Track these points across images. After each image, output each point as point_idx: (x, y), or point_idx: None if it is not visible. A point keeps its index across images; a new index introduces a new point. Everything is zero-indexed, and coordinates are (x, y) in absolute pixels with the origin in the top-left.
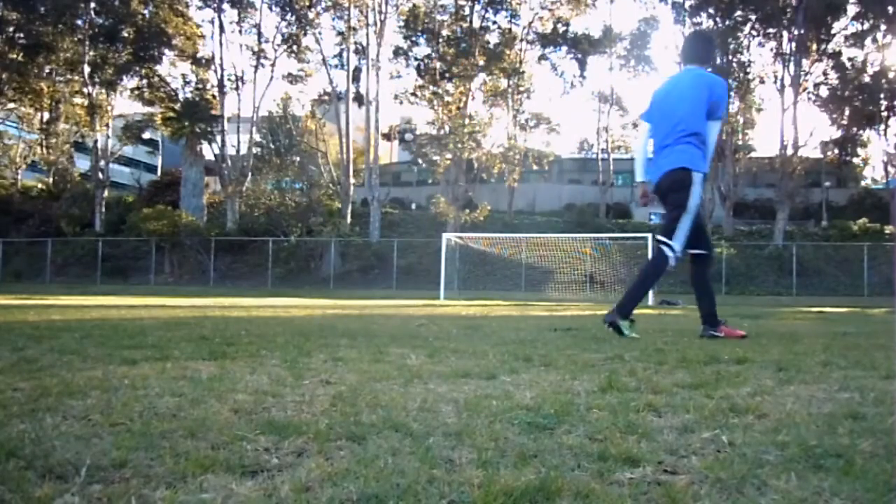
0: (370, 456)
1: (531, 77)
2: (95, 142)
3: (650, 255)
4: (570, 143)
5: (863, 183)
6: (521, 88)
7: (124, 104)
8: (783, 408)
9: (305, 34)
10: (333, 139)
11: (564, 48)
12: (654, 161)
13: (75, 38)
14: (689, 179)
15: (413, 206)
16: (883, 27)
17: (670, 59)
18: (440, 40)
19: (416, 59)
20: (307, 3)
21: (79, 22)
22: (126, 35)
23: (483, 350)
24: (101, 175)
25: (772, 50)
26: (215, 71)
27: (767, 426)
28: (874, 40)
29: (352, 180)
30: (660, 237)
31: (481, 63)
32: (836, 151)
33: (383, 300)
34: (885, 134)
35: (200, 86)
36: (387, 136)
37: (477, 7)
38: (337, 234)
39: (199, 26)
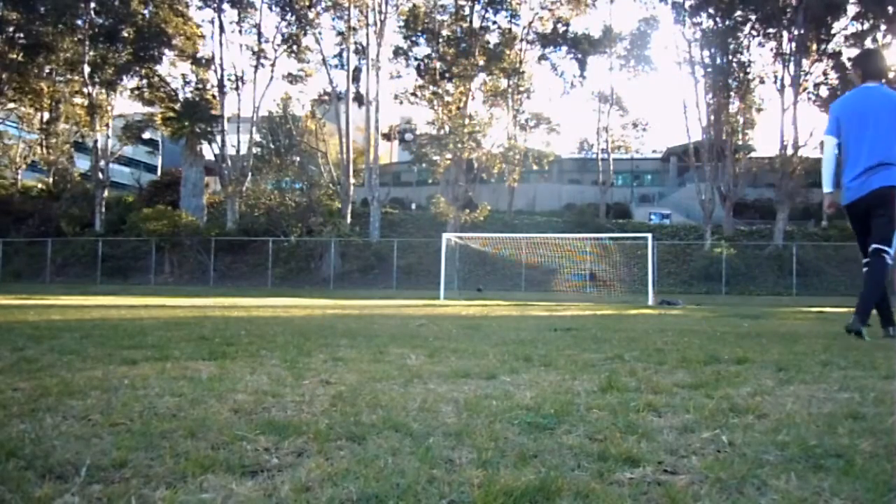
0: (370, 456)
1: (531, 77)
2: (95, 142)
3: (871, 264)
4: (570, 143)
5: None
6: (521, 88)
7: (124, 104)
8: (783, 408)
9: (305, 34)
10: (333, 139)
11: (564, 48)
12: (856, 180)
13: (75, 38)
14: (893, 196)
15: (413, 206)
16: (883, 27)
17: (670, 59)
18: (440, 40)
19: (416, 59)
20: (307, 3)
21: (79, 22)
22: (126, 35)
23: (483, 350)
24: (101, 175)
25: (772, 50)
26: (215, 71)
27: (767, 426)
28: (874, 40)
29: (352, 180)
30: (878, 246)
31: (481, 63)
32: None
33: (383, 300)
34: None
35: (200, 86)
36: (387, 136)
37: (477, 7)
38: (337, 234)
39: (199, 26)
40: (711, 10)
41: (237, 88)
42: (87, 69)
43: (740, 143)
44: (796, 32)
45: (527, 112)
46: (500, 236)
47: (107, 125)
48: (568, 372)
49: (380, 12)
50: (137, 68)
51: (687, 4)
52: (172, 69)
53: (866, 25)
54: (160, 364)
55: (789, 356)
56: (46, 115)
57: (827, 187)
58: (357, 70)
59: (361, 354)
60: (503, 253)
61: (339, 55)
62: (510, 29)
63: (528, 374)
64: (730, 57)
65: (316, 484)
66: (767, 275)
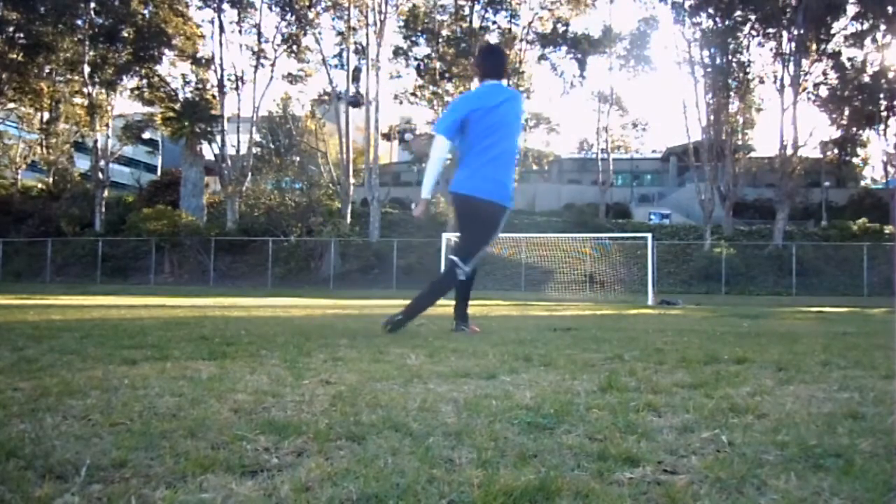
0: (370, 456)
1: (531, 77)
2: (95, 142)
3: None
4: (569, 143)
5: (862, 183)
6: (521, 88)
7: (124, 104)
8: (783, 408)
9: (305, 34)
10: (333, 139)
11: (564, 48)
12: None
13: (75, 38)
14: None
15: (413, 206)
16: (883, 27)
17: (670, 59)
18: (440, 40)
19: (415, 59)
20: (307, 3)
21: (79, 22)
22: (126, 35)
23: (483, 350)
24: (101, 175)
25: (771, 50)
26: (215, 71)
27: (767, 426)
28: (874, 40)
29: (352, 180)
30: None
31: None
32: (836, 151)
33: (383, 300)
34: (885, 134)
35: (200, 86)
36: (387, 136)
37: (477, 7)
38: (337, 234)
39: (199, 26)
40: (711, 10)
41: (237, 88)
42: (87, 69)
43: (740, 143)
44: (796, 32)
45: (526, 112)
46: (499, 236)
47: (107, 125)
48: (568, 372)
49: (380, 12)
50: (137, 68)
51: (687, 4)
52: (172, 69)
53: (866, 25)
54: (160, 364)
55: (789, 356)
56: (46, 115)
57: None
58: (357, 70)
59: (361, 354)
60: (503, 253)
61: (339, 55)
62: (510, 29)
63: (527, 373)
64: (729, 57)
65: (316, 484)
66: (767, 275)
